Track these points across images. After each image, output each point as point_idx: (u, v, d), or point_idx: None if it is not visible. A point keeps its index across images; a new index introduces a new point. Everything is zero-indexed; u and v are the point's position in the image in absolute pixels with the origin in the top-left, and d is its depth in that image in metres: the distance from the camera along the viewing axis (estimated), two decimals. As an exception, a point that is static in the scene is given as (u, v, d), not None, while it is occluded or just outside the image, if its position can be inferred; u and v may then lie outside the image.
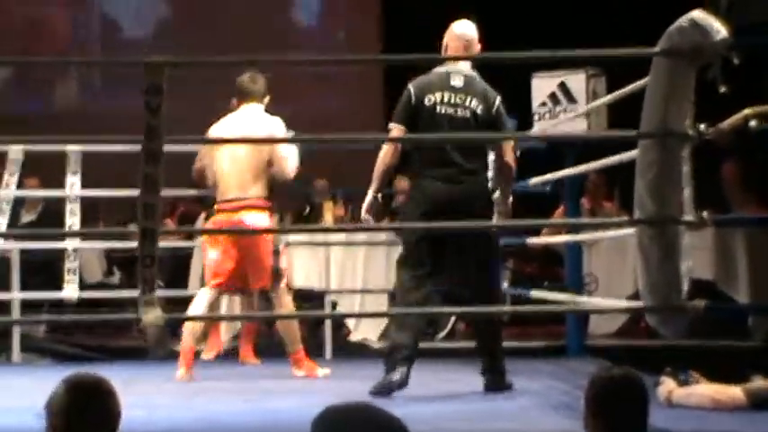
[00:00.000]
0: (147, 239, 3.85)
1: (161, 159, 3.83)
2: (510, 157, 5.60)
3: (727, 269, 6.97)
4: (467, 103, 5.51)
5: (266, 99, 6.49)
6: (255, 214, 6.29)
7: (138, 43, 12.66)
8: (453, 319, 8.38)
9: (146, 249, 3.88)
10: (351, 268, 8.40)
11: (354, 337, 8.43)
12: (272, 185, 6.41)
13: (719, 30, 4.03)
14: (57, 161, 7.51)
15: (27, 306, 7.85)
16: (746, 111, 4.24)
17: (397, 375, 5.35)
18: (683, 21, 4.10)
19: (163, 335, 7.06)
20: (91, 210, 8.50)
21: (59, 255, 7.64)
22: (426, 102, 5.51)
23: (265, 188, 6.34)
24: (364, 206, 5.65)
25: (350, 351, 8.02)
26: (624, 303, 6.66)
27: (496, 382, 5.59)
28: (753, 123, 4.18)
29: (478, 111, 5.51)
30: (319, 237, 8.29)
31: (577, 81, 7.31)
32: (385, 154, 5.56)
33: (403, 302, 5.55)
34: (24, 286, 7.70)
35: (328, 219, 9.16)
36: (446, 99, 5.51)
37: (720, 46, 4.01)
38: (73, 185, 7.38)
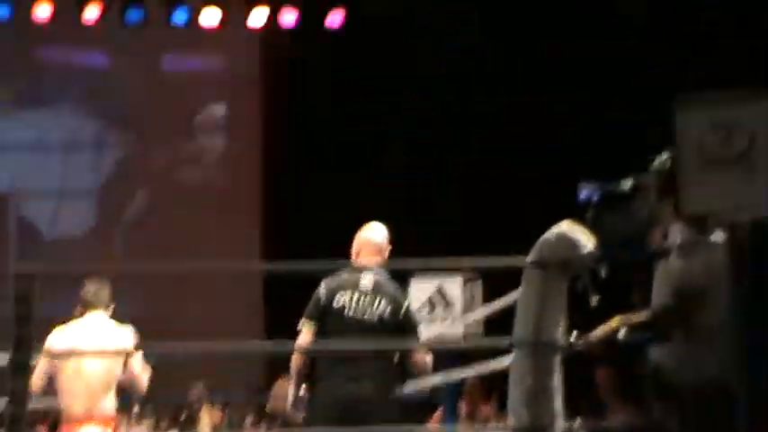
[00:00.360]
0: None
1: (29, 372, 3.75)
2: (420, 357, 5.69)
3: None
4: (375, 306, 5.60)
5: (111, 307, 6.42)
6: (100, 429, 6.13)
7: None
8: None
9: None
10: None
11: None
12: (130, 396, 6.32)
13: (586, 243, 4.13)
14: None
15: None
16: (615, 320, 4.32)
17: None
18: (551, 234, 4.20)
19: None
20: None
21: None
22: (335, 303, 5.60)
23: (113, 401, 6.20)
24: (289, 406, 5.72)
25: None
26: None
27: None
28: (621, 333, 4.25)
29: (386, 314, 5.60)
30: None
31: (454, 286, 7.37)
32: (296, 354, 5.65)
33: None
34: None
35: (205, 423, 9.01)
36: (355, 301, 5.60)
37: (588, 259, 4.10)
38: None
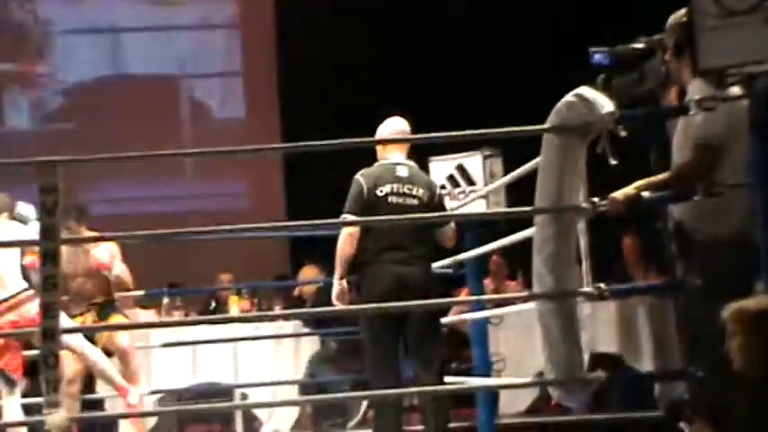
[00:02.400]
0: (48, 339, 3.80)
1: (59, 259, 3.80)
2: (452, 235, 6.14)
3: (631, 341, 7.07)
4: (414, 192, 5.99)
5: (4, 215, 6.50)
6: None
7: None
8: (365, 405, 8.33)
9: (47, 349, 3.82)
10: (259, 362, 8.34)
11: (267, 429, 8.35)
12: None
13: (606, 104, 4.11)
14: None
15: None
16: (638, 183, 4.31)
17: None
18: (570, 96, 4.18)
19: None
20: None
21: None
22: (379, 193, 5.93)
23: None
24: (334, 293, 5.93)
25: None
26: (530, 379, 6.69)
27: None
28: (645, 194, 4.25)
29: (425, 199, 5.98)
30: (227, 332, 8.20)
31: (474, 163, 7.40)
32: (344, 243, 5.90)
33: (376, 384, 5.73)
34: None
35: (234, 313, 9.09)
36: (396, 189, 5.96)
37: (608, 119, 4.09)
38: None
